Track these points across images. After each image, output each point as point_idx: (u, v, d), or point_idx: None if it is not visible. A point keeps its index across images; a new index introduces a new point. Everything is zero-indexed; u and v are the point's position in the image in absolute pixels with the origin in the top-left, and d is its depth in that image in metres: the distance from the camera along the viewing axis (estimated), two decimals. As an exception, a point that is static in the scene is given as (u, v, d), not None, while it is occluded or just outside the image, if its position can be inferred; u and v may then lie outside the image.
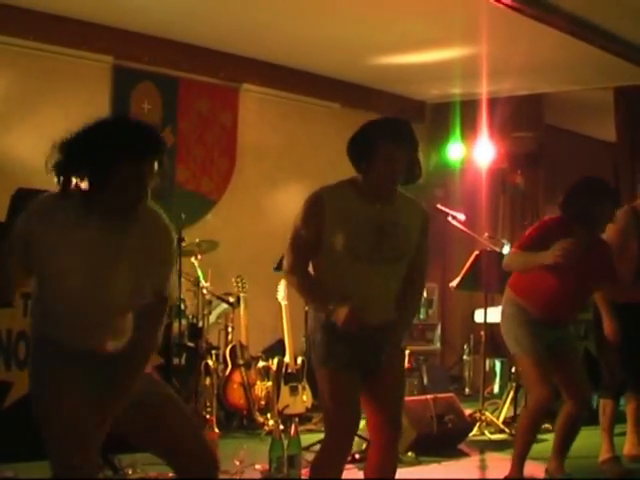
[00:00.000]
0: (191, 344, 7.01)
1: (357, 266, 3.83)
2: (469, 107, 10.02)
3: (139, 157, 3.11)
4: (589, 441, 6.23)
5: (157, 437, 3.34)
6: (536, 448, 5.30)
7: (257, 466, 5.50)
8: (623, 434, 6.17)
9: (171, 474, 4.94)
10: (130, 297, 3.26)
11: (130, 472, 5.27)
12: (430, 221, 4.10)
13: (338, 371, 3.87)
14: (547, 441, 5.50)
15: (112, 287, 3.22)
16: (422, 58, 9.02)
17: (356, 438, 5.93)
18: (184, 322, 7.01)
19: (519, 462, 5.13)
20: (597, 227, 5.20)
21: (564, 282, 4.97)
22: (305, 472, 5.36)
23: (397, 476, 4.22)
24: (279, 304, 7.31)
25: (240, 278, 7.40)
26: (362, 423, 5.39)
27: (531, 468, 5.22)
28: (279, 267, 7.19)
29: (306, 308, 4.12)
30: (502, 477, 5.23)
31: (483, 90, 9.43)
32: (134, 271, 3.23)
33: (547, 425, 6.73)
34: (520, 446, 5.15)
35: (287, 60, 9.16)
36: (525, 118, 10.54)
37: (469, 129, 9.99)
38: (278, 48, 8.73)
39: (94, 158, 3.08)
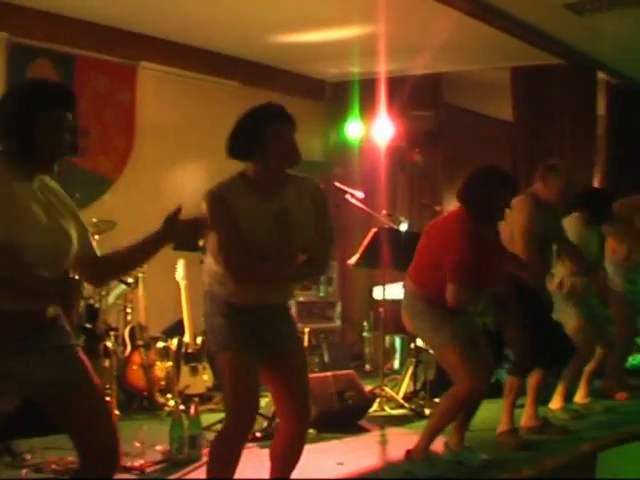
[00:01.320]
0: (89, 326, 6.91)
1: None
2: (368, 86, 10.06)
3: (58, 106, 3.19)
4: (489, 414, 6.35)
5: (67, 418, 3.28)
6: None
7: (158, 447, 5.47)
8: (521, 406, 6.29)
9: (70, 458, 4.90)
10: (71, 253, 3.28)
11: (29, 457, 5.20)
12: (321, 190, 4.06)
13: (239, 354, 3.87)
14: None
15: (63, 244, 3.24)
16: (321, 36, 9.02)
17: (257, 416, 5.97)
18: (81, 303, 6.90)
19: (428, 440, 5.17)
20: (496, 216, 5.27)
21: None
22: (206, 452, 5.35)
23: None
24: (178, 284, 7.26)
25: (138, 258, 7.32)
26: (264, 401, 5.43)
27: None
28: (178, 246, 7.14)
29: (205, 289, 4.04)
30: (403, 451, 5.28)
31: (382, 69, 9.47)
32: (72, 222, 3.29)
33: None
34: (435, 427, 5.19)
35: (186, 38, 9.07)
36: (424, 97, 10.62)
37: (368, 107, 10.03)
38: (177, 26, 8.63)
39: (19, 116, 3.14)
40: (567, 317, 6.80)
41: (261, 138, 3.86)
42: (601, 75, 10.37)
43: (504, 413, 6.00)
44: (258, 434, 5.74)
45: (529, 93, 10.37)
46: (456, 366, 5.12)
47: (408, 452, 5.23)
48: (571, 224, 6.86)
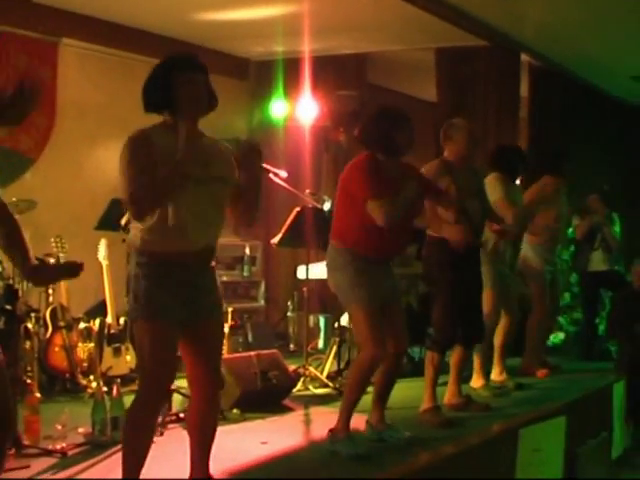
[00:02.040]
0: (9, 307, 6.79)
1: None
2: (293, 65, 10.03)
3: None
4: (412, 392, 6.41)
5: None
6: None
7: (80, 429, 5.39)
8: (444, 384, 6.35)
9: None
10: None
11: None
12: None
13: (161, 323, 3.87)
14: (369, 393, 5.60)
15: None
16: (246, 15, 8.96)
17: (180, 397, 5.95)
18: (0, 284, 6.78)
19: (346, 416, 5.18)
20: (399, 153, 5.31)
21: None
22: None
23: (223, 433, 4.24)
24: (100, 264, 7.18)
25: (59, 238, 7.21)
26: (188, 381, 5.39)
27: (354, 420, 5.29)
28: (100, 226, 7.08)
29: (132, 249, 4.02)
30: (327, 431, 5.29)
31: (306, 48, 9.45)
32: None
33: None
34: (348, 400, 5.19)
35: (109, 14, 8.93)
36: (348, 77, 10.63)
37: (293, 87, 10.01)
38: (99, 2, 8.49)
39: None
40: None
41: (171, 86, 3.93)
42: (524, 57, 10.48)
43: (425, 390, 6.04)
44: (181, 415, 5.71)
45: (453, 74, 10.43)
46: (360, 329, 5.14)
47: (331, 430, 5.24)
48: (490, 185, 6.93)
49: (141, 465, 3.94)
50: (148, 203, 3.84)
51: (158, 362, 3.88)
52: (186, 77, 3.93)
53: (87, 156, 9.00)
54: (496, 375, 7.33)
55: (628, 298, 8.92)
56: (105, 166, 8.80)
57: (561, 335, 10.24)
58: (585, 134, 12.06)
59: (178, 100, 3.92)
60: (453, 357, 6.31)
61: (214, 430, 4.16)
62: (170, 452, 4.78)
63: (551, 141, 10.98)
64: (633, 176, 13.68)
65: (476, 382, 7.08)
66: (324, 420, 5.76)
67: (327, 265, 5.31)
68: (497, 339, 7.25)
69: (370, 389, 5.54)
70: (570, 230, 9.41)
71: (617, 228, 9.45)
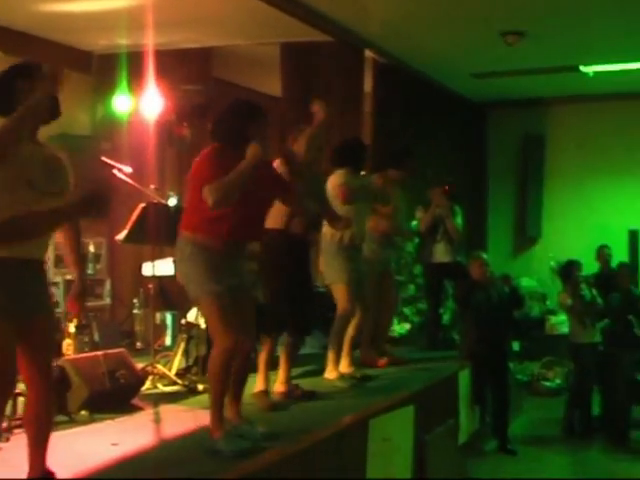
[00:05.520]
0: None
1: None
2: (137, 58, 9.86)
3: None
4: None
5: None
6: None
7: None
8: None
9: None
10: None
11: None
12: None
13: None
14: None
15: None
16: (88, 7, 8.81)
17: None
18: None
19: (217, 414, 5.04)
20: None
21: (241, 206, 5.00)
22: None
23: (72, 436, 4.16)
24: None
25: None
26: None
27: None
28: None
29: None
30: (177, 429, 5.20)
31: (150, 42, 9.33)
32: None
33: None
34: (213, 397, 5.08)
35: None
36: (194, 71, 10.55)
37: (137, 81, 9.86)
38: None
39: None
40: (334, 273, 7.13)
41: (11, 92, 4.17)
42: (368, 53, 10.61)
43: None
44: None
45: (298, 69, 10.50)
46: (212, 322, 5.09)
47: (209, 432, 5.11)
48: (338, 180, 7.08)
49: None
50: None
51: None
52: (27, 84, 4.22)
53: None
54: (345, 367, 7.38)
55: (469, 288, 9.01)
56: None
57: (407, 325, 10.43)
58: (428, 129, 12.32)
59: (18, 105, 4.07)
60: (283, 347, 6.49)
61: (50, 428, 4.22)
62: (17, 458, 4.63)
63: (394, 135, 11.17)
64: (474, 170, 14.06)
65: (330, 374, 7.14)
66: (174, 418, 5.72)
67: (177, 256, 5.22)
68: (348, 332, 7.33)
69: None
70: (414, 223, 9.57)
71: (459, 220, 9.66)
